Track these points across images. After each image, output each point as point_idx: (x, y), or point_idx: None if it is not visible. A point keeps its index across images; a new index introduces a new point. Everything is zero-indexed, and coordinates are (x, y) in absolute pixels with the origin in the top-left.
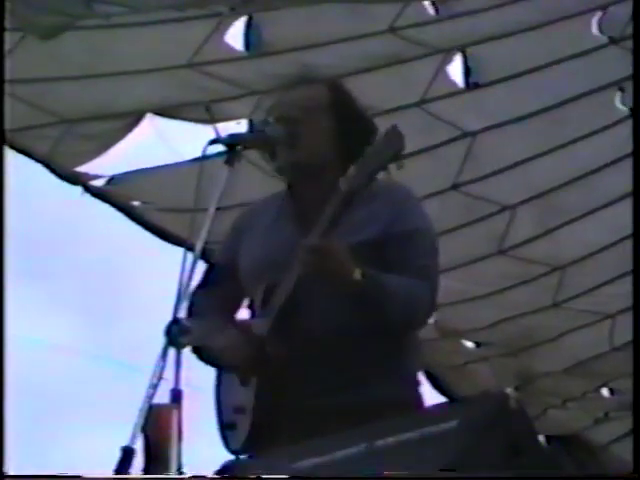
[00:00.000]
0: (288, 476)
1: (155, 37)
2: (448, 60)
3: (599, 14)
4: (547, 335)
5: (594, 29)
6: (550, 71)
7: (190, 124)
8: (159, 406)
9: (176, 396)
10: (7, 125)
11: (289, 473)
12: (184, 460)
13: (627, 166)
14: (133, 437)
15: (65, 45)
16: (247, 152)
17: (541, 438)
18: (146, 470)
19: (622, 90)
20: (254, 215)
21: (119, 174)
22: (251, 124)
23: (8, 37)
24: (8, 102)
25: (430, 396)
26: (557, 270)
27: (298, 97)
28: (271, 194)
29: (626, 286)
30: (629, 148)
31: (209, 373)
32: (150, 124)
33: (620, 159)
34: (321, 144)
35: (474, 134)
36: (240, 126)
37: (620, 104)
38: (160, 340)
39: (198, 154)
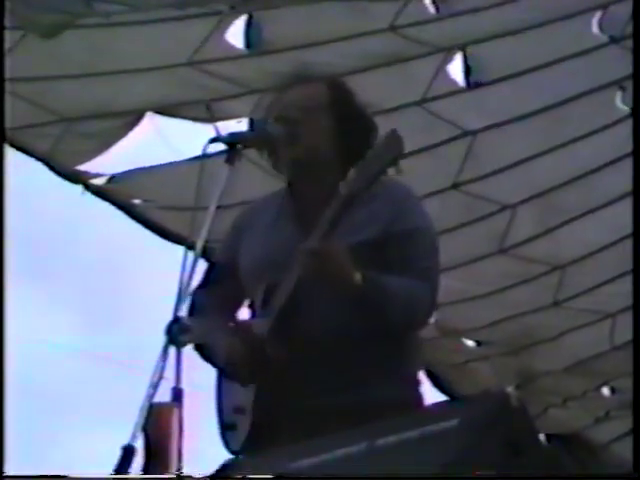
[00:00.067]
0: (287, 476)
1: (155, 35)
2: (449, 59)
3: (599, 13)
4: (547, 334)
5: (594, 28)
6: (550, 70)
7: (190, 123)
8: (160, 405)
9: (177, 395)
10: (7, 123)
11: (289, 473)
12: (184, 459)
13: (627, 165)
14: (134, 436)
15: (65, 44)
16: (247, 151)
17: (542, 437)
18: (146, 469)
19: (623, 89)
20: (254, 214)
21: (119, 172)
22: (251, 123)
23: (8, 36)
24: (8, 100)
25: (431, 395)
26: (557, 269)
27: (298, 96)
28: (271, 193)
29: (626, 285)
30: (629, 147)
31: (210, 372)
32: (150, 122)
33: (620, 158)
34: (321, 143)
35: (474, 133)
36: (240, 125)
37: (620, 103)
38: (161, 339)
39: (198, 153)
